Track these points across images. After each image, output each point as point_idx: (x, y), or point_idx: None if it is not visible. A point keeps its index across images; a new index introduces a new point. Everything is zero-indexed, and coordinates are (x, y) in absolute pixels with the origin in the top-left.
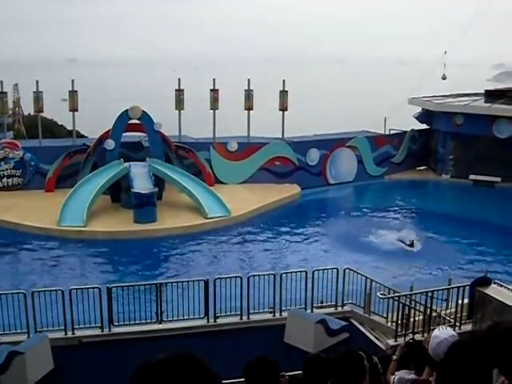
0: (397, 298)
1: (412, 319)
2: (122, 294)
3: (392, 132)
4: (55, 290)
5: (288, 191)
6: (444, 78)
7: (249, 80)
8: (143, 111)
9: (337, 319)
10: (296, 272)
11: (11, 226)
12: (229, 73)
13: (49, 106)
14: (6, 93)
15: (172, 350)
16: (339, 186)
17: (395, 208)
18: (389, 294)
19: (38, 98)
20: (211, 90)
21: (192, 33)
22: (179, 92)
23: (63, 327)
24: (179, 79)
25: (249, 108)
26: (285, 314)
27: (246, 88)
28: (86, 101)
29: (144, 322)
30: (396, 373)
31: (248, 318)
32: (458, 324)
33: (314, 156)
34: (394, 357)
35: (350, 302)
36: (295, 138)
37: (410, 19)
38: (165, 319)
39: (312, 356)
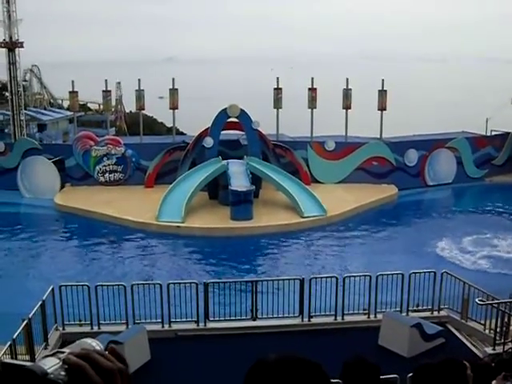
0: (496, 305)
1: None
2: (219, 289)
3: (494, 133)
4: (153, 284)
5: (385, 192)
6: None
7: (347, 79)
8: (241, 110)
9: (432, 324)
10: (392, 274)
11: (111, 219)
12: (327, 71)
13: (147, 103)
14: (109, 91)
15: (280, 350)
16: (437, 188)
17: (496, 212)
18: (487, 300)
19: (139, 96)
20: (309, 88)
21: (288, 31)
22: (277, 91)
23: (160, 320)
24: (277, 78)
25: (347, 107)
26: (379, 316)
27: (345, 87)
28: (184, 99)
29: (239, 318)
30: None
31: (342, 318)
32: None
33: (412, 156)
34: None
35: (446, 306)
36: (393, 138)
37: None
38: (259, 316)
39: (423, 364)
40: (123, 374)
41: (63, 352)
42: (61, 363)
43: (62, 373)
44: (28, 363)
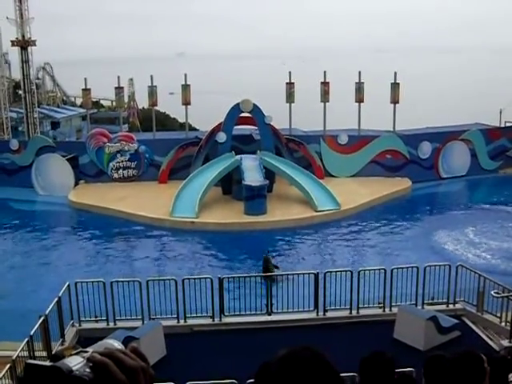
0: None
1: None
2: (233, 284)
3: (508, 124)
4: (168, 280)
5: (399, 185)
6: None
7: (359, 72)
8: (254, 104)
9: (448, 317)
10: (407, 268)
11: (125, 215)
12: (339, 64)
13: (158, 99)
14: (122, 88)
15: (293, 343)
16: (452, 180)
17: (510, 203)
18: (503, 292)
19: (152, 92)
20: (322, 82)
21: (299, 23)
22: (290, 85)
23: (176, 315)
24: (289, 72)
25: (359, 100)
26: (395, 310)
27: (357, 80)
28: (195, 94)
29: (254, 313)
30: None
31: (358, 312)
32: None
33: (425, 149)
34: None
35: (461, 299)
36: (407, 131)
37: None
38: (274, 311)
39: (434, 355)
40: (146, 372)
41: (87, 351)
42: (85, 361)
43: (87, 370)
44: (50, 363)
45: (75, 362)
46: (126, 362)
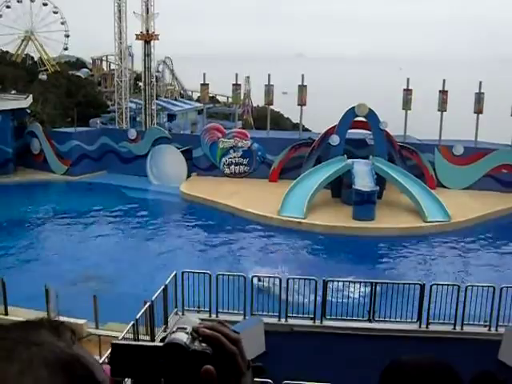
0: None
1: None
2: (337, 287)
3: None
4: (273, 277)
5: None
6: None
7: (480, 82)
8: (370, 109)
9: None
10: None
11: (234, 210)
12: (459, 73)
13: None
14: (239, 85)
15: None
16: None
17: None
18: None
19: (268, 90)
20: (440, 91)
21: (418, 30)
22: (407, 92)
23: (277, 314)
24: (408, 79)
25: (478, 111)
26: (501, 330)
27: (477, 91)
28: (310, 95)
29: (355, 318)
30: None
31: (462, 328)
32: None
33: None
34: None
35: None
36: None
37: None
38: (376, 318)
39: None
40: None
41: (185, 328)
42: (191, 337)
43: (203, 344)
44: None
45: (184, 338)
46: (229, 333)
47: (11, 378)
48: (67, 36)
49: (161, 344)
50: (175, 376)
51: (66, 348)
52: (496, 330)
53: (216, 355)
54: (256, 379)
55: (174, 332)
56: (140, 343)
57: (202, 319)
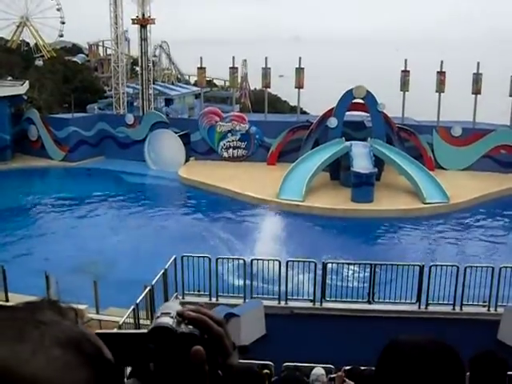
0: None
1: None
2: (337, 270)
3: None
4: (272, 260)
5: None
6: None
7: (478, 63)
8: (367, 91)
9: None
10: None
11: (232, 194)
12: (458, 54)
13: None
14: (236, 68)
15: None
16: None
17: None
18: None
19: (266, 73)
20: (438, 72)
21: (415, 10)
22: (405, 73)
23: (277, 296)
24: (405, 60)
25: (476, 92)
26: (500, 310)
27: (475, 71)
28: (308, 78)
29: (355, 300)
30: None
31: (461, 309)
32: None
33: None
34: None
35: None
36: None
37: None
38: (376, 300)
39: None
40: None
41: (169, 312)
42: (176, 320)
43: (190, 327)
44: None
45: (170, 322)
46: (214, 315)
47: (24, 359)
48: (63, 23)
49: (145, 330)
50: (164, 360)
51: (74, 327)
52: (495, 310)
53: (203, 337)
54: (257, 361)
55: (158, 317)
56: (124, 331)
57: (202, 303)
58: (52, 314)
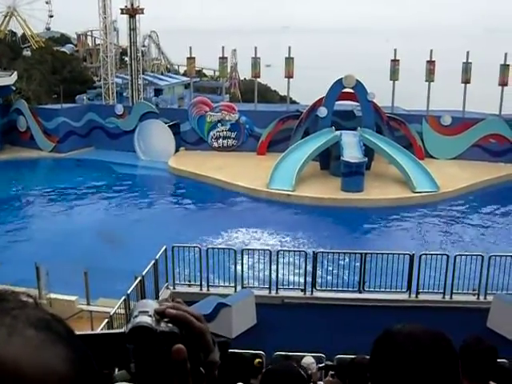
0: None
1: None
2: (327, 259)
3: None
4: (263, 250)
5: (502, 171)
6: None
7: (467, 52)
8: (357, 80)
9: None
10: (506, 256)
11: (223, 184)
12: (447, 44)
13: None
14: (226, 58)
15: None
16: None
17: None
18: None
19: (255, 63)
20: (427, 61)
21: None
22: (394, 62)
23: (268, 286)
24: (395, 50)
25: (466, 81)
26: (490, 298)
27: (465, 60)
28: (297, 67)
29: (345, 289)
30: None
31: (451, 297)
32: None
33: None
34: None
35: None
36: None
37: None
38: (366, 289)
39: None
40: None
41: (147, 311)
42: (154, 319)
43: (170, 325)
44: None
45: (149, 321)
46: (193, 312)
47: (1, 342)
48: (51, 16)
49: (122, 330)
50: (145, 360)
51: (40, 310)
52: (485, 299)
53: (184, 334)
54: (248, 351)
55: (136, 316)
56: (102, 331)
57: (193, 293)
58: (16, 301)
